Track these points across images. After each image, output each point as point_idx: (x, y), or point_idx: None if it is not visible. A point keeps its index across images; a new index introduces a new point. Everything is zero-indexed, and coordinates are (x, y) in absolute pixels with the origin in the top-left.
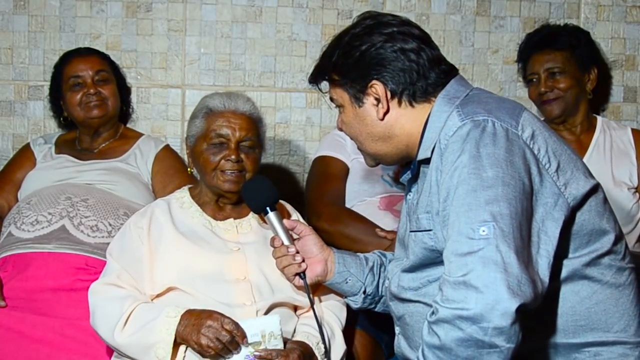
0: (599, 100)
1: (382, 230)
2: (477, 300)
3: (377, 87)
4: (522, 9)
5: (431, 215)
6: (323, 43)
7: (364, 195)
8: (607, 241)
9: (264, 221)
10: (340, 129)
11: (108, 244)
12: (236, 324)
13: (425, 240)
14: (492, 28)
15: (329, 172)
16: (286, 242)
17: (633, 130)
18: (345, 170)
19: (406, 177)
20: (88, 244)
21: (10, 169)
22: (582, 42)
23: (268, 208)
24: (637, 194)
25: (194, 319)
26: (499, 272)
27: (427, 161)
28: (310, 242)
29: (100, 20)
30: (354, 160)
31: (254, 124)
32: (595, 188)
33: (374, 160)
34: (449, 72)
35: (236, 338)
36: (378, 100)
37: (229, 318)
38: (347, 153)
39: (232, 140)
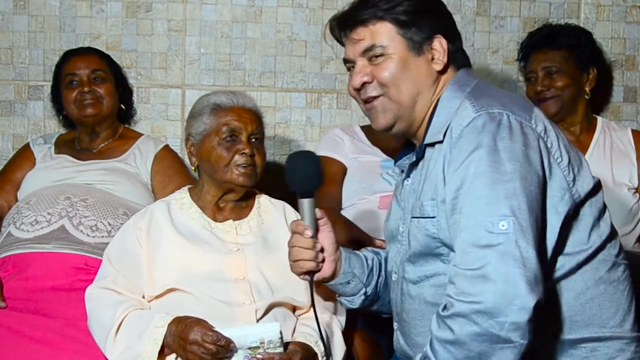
0: (599, 100)
1: (379, 240)
2: (494, 294)
3: (442, 42)
4: (522, 9)
5: (436, 202)
6: (323, 43)
7: (363, 193)
8: (602, 237)
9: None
10: (361, 86)
11: (108, 243)
12: (217, 335)
13: (428, 227)
14: (492, 28)
15: (326, 174)
16: (312, 235)
17: (633, 131)
18: (342, 172)
19: (408, 160)
20: (87, 243)
21: (9, 169)
22: (582, 42)
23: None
24: (637, 194)
25: (179, 331)
26: (517, 267)
27: (431, 144)
28: (329, 240)
29: (100, 20)
30: (352, 159)
31: (260, 119)
32: (597, 185)
33: (387, 121)
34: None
35: (220, 349)
36: (434, 56)
37: (210, 330)
38: (345, 153)
39: (243, 134)
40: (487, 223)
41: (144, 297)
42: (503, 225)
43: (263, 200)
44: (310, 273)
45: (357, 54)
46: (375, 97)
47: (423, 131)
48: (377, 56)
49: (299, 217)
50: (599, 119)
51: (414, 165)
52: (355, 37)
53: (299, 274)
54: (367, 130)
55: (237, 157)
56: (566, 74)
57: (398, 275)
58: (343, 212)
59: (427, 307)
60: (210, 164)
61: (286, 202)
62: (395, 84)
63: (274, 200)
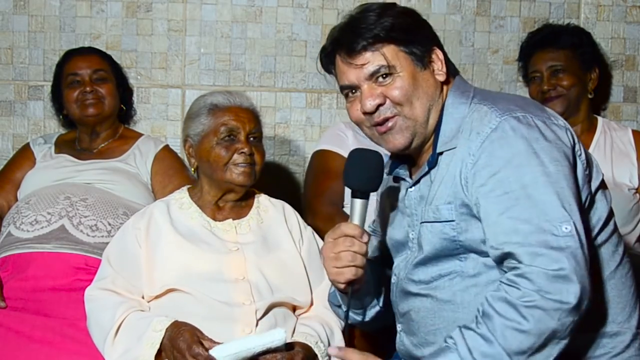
0: (599, 100)
1: None
2: (575, 294)
3: (438, 53)
4: (522, 9)
5: (453, 206)
6: (323, 43)
7: None
8: (608, 232)
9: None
10: (377, 108)
11: (107, 243)
12: (200, 351)
13: (446, 231)
14: (492, 28)
15: (329, 168)
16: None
17: (634, 131)
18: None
19: (404, 170)
20: (87, 243)
21: (9, 168)
22: (584, 41)
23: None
24: (638, 194)
25: (172, 337)
26: (586, 268)
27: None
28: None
29: (100, 20)
30: None
31: (257, 118)
32: (604, 180)
33: (406, 139)
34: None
35: None
36: (434, 69)
37: (196, 343)
38: (348, 147)
39: (242, 133)
40: (550, 226)
41: (143, 298)
42: (566, 228)
43: (262, 200)
44: (352, 282)
45: (362, 79)
46: (389, 118)
47: (431, 143)
48: (384, 77)
49: (298, 217)
50: (600, 119)
51: (425, 175)
52: (358, 63)
53: (344, 282)
54: None
55: (236, 156)
56: (571, 72)
57: (398, 278)
58: (345, 211)
59: (439, 304)
60: (209, 164)
61: (285, 201)
62: (409, 100)
63: (273, 199)
